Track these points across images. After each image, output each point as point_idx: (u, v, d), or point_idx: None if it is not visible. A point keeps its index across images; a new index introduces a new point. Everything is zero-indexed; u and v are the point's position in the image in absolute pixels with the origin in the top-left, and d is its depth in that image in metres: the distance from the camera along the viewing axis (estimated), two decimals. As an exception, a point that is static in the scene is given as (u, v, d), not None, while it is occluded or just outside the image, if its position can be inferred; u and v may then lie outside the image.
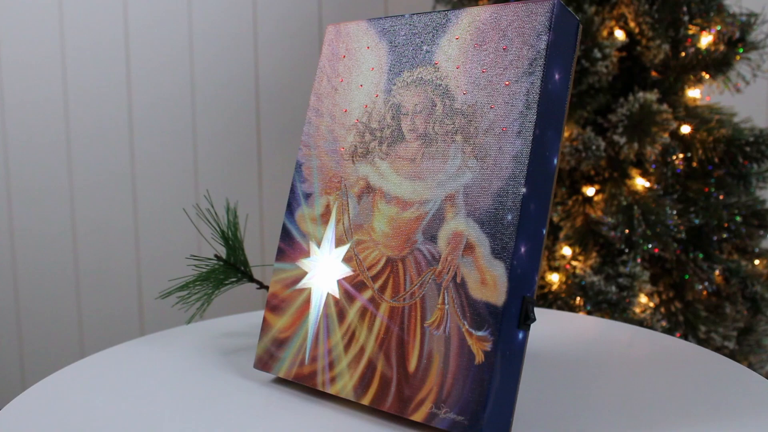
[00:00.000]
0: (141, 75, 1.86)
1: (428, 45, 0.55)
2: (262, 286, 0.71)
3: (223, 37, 1.88)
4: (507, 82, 0.50)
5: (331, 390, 0.54)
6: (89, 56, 1.85)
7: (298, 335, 0.57)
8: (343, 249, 0.56)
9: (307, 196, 0.60)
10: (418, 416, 0.49)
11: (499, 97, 0.50)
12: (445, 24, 0.54)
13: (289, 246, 0.60)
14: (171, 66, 1.86)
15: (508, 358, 0.47)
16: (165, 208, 1.89)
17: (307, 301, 0.57)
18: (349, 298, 0.55)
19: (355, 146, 0.58)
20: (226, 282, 0.69)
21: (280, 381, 0.59)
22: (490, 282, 0.47)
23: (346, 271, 0.55)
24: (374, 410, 0.53)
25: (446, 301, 0.49)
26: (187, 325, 0.75)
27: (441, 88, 0.53)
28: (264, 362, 0.59)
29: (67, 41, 1.84)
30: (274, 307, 0.59)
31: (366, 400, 0.52)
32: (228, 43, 1.88)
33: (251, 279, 0.71)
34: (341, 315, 0.55)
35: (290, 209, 0.61)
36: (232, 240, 0.70)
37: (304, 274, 0.58)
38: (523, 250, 0.47)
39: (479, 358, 0.47)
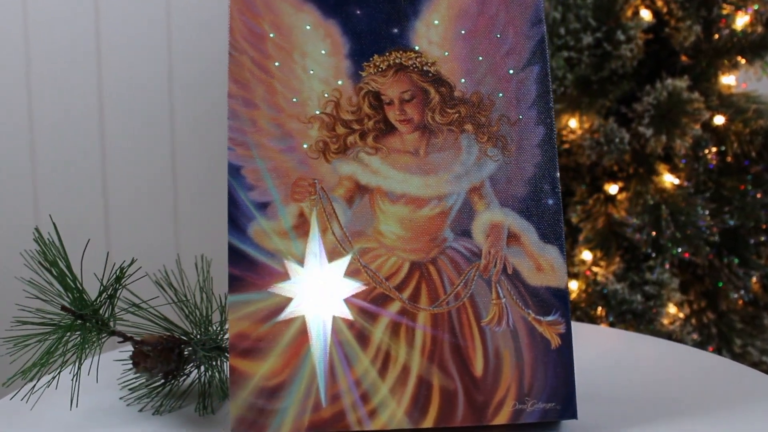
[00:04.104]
0: (113, 59, 1.55)
1: (398, 27, 0.50)
2: (126, 338, 0.53)
3: (201, 16, 1.56)
4: (511, 71, 0.50)
5: (373, 426, 0.46)
6: (55, 37, 1.50)
7: (299, 376, 0.46)
8: (343, 262, 0.48)
9: (263, 206, 0.48)
10: (501, 418, 0.46)
11: (506, 86, 0.50)
12: (416, 6, 0.51)
13: (249, 271, 0.47)
14: (145, 49, 1.55)
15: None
16: (139, 206, 1.58)
17: (303, 332, 0.47)
18: (370, 316, 0.47)
19: (324, 142, 0.49)
20: (87, 344, 0.49)
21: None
22: (546, 267, 0.48)
23: (354, 286, 0.47)
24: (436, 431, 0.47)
25: (501, 295, 0.48)
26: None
27: (431, 74, 0.50)
28: (250, 422, 0.46)
29: (30, 23, 1.48)
30: (246, 351, 0.46)
31: (428, 422, 0.46)
32: (207, 22, 1.56)
33: (113, 332, 0.52)
34: (362, 338, 0.47)
35: (236, 225, 0.48)
36: (72, 283, 0.50)
37: (288, 300, 0.47)
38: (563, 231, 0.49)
39: (555, 342, 0.47)
